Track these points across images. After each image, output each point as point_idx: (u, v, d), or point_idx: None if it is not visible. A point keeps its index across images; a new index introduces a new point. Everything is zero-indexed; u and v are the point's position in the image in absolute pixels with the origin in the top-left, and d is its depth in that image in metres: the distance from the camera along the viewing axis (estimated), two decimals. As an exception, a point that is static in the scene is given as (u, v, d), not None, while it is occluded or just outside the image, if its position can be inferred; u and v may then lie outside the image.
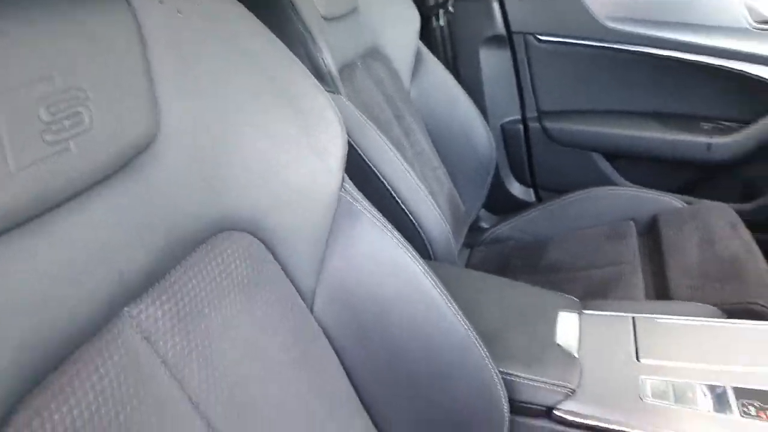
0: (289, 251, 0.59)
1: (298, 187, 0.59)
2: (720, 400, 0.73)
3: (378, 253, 0.66)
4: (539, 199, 1.73)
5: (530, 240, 1.42)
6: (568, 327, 0.85)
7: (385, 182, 1.05)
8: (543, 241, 1.39)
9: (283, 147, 0.58)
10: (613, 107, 1.63)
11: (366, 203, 0.67)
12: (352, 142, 1.00)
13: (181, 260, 0.50)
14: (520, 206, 1.54)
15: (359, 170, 1.02)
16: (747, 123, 1.47)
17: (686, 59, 1.47)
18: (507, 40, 1.63)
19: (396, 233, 0.67)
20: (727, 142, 1.47)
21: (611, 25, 1.50)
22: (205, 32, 0.54)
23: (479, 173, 1.42)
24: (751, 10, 1.42)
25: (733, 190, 1.56)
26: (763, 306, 0.98)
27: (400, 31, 1.39)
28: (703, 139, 1.50)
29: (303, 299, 0.62)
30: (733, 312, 0.97)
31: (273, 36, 0.62)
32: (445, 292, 0.67)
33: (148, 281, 0.46)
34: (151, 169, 0.48)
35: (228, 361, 0.49)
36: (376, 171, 1.04)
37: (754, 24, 1.42)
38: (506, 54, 1.65)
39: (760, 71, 1.40)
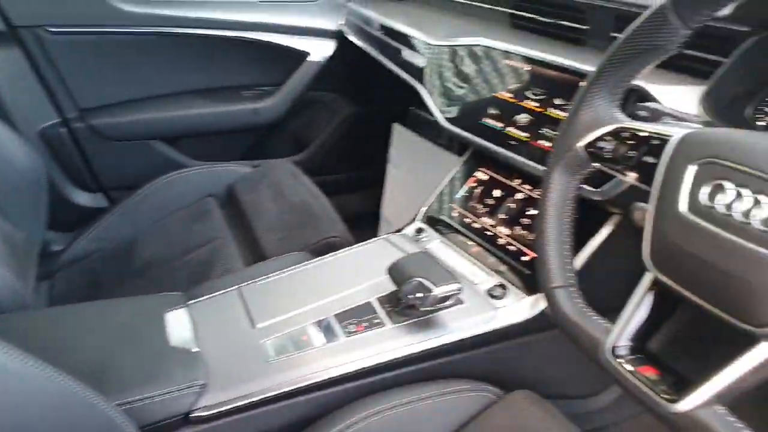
0: None
1: None
2: (328, 330, 0.82)
3: None
4: (112, 202, 1.58)
5: (116, 246, 1.30)
6: (179, 325, 0.81)
7: None
8: (130, 242, 1.28)
9: None
10: (161, 91, 1.60)
11: None
12: None
13: None
14: (93, 215, 1.38)
15: None
16: (279, 84, 1.65)
17: (211, 35, 1.52)
18: (11, 36, 1.38)
19: None
20: (268, 105, 1.62)
21: (126, 8, 1.42)
22: None
23: (28, 192, 1.20)
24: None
25: (287, 145, 1.75)
26: (336, 237, 1.13)
27: None
28: (249, 105, 1.62)
29: None
30: (318, 250, 1.10)
31: None
32: (14, 349, 0.54)
33: None
34: None
35: None
36: None
37: (257, -2, 1.57)
38: (16, 52, 1.40)
39: (273, 38, 1.57)
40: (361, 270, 0.94)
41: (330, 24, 1.62)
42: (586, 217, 0.87)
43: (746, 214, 0.45)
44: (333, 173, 1.74)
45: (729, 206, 0.46)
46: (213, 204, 1.35)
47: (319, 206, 1.24)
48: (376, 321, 0.83)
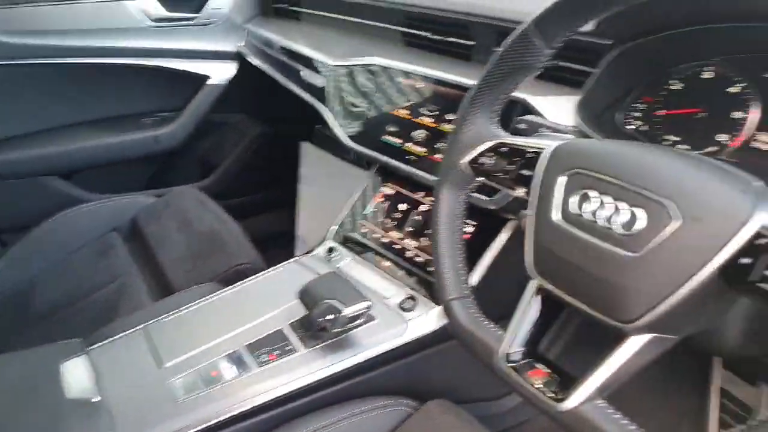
0: None
1: None
2: (239, 362, 0.81)
3: None
4: (4, 245, 1.48)
5: (11, 294, 1.22)
6: (77, 375, 0.77)
7: None
8: (26, 288, 1.20)
9: None
10: (51, 124, 1.52)
11: None
12: None
13: None
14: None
15: None
16: (180, 109, 1.61)
17: (104, 63, 1.47)
18: None
19: None
20: (170, 131, 1.58)
21: (10, 40, 1.34)
22: None
23: None
24: (144, 10, 1.51)
25: (194, 171, 1.71)
26: (246, 263, 1.12)
27: None
28: (149, 133, 1.57)
29: None
30: (228, 279, 1.08)
31: None
32: None
33: None
34: None
35: None
36: None
37: (152, 23, 1.51)
38: None
39: (171, 63, 1.53)
40: (272, 296, 0.93)
41: (229, 46, 1.60)
42: (486, 224, 0.91)
43: (609, 219, 0.49)
44: (243, 196, 1.71)
45: (594, 213, 0.50)
46: (116, 239, 1.29)
47: (227, 232, 1.21)
48: (288, 348, 0.83)
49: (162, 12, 1.50)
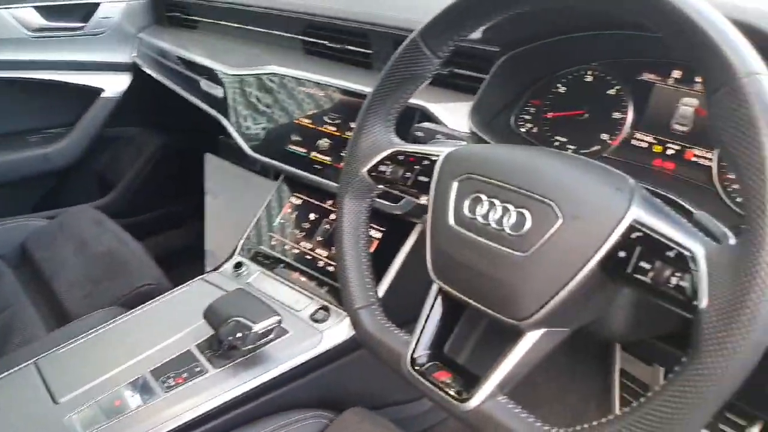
0: None
1: None
2: (144, 389, 0.77)
3: None
4: None
5: None
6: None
7: None
8: None
9: None
10: None
11: None
12: None
13: None
14: None
15: None
16: (71, 125, 1.51)
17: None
18: None
19: None
20: (60, 148, 1.48)
21: None
22: None
23: None
24: (22, 20, 1.40)
25: (90, 190, 1.61)
26: (150, 284, 1.07)
27: None
28: (37, 151, 1.46)
29: None
30: (131, 302, 1.02)
31: None
32: None
33: None
34: None
35: None
36: None
37: (31, 33, 1.41)
38: None
39: (58, 76, 1.44)
40: (178, 317, 0.90)
41: (122, 57, 1.52)
42: (394, 229, 0.92)
43: (499, 221, 0.51)
44: (145, 212, 1.63)
45: (486, 216, 0.52)
46: (2, 266, 1.19)
47: (128, 252, 1.15)
48: (197, 369, 0.80)
49: (42, 22, 1.40)
